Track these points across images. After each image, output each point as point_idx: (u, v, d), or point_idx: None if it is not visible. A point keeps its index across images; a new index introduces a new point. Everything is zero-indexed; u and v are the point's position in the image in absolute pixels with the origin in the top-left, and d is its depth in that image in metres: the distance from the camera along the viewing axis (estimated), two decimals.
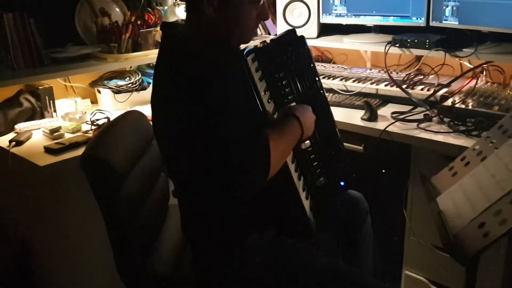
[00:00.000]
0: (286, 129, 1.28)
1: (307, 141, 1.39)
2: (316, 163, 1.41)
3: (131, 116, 1.62)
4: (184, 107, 1.18)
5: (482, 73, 2.07)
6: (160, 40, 2.30)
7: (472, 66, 2.11)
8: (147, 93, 2.32)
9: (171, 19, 2.46)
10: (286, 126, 1.28)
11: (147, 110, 2.14)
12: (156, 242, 1.54)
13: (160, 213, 1.65)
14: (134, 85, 2.29)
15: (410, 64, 2.44)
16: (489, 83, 2.05)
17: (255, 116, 1.28)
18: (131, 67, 2.38)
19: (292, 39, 1.47)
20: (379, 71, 2.37)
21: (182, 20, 2.46)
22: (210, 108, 1.14)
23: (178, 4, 2.44)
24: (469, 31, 2.08)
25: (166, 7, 2.43)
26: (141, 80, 2.33)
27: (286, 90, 1.39)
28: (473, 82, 2.02)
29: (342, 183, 1.42)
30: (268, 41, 1.41)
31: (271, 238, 1.39)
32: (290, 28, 1.53)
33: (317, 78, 1.53)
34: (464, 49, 2.03)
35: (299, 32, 1.48)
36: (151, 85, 2.29)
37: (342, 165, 1.45)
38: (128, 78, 2.31)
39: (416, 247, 1.91)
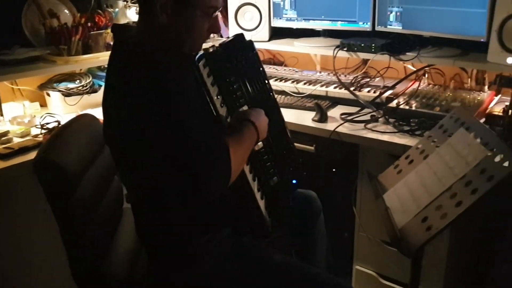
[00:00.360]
0: (244, 135, 1.31)
1: (260, 143, 1.43)
2: (269, 163, 1.45)
3: (83, 120, 1.60)
4: (141, 113, 1.18)
5: (424, 75, 2.18)
6: (111, 43, 2.28)
7: (415, 69, 2.22)
8: (98, 95, 2.30)
9: (122, 21, 2.44)
10: (243, 132, 1.31)
11: (98, 113, 2.12)
12: (111, 245, 1.53)
13: (114, 216, 1.64)
14: (85, 88, 2.26)
15: (358, 67, 2.53)
16: (430, 85, 2.17)
17: (210, 121, 1.30)
18: (81, 69, 2.34)
19: (241, 43, 1.51)
20: (329, 73, 2.45)
21: (133, 22, 2.45)
22: (169, 114, 1.15)
23: (129, 6, 2.43)
24: (412, 35, 2.19)
25: (117, 9, 2.41)
26: (92, 82, 2.30)
27: (238, 93, 1.42)
28: (416, 84, 2.13)
29: (294, 181, 1.47)
30: (217, 45, 1.44)
31: (226, 237, 1.41)
32: (239, 32, 1.57)
33: (266, 81, 1.57)
34: (407, 53, 2.14)
35: (251, 35, 1.52)
36: (102, 88, 2.29)
37: (293, 164, 1.50)
38: (78, 80, 2.28)
39: (365, 242, 1.99)
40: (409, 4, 2.17)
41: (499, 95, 2.04)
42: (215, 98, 1.34)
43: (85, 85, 2.26)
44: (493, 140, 1.23)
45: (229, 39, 1.51)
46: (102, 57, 2.23)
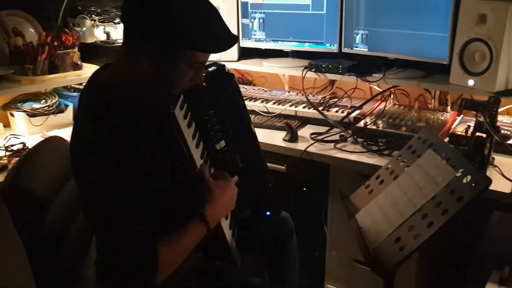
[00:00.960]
0: (187, 232, 1.24)
1: (235, 177, 1.40)
2: (243, 197, 1.43)
3: (51, 142, 1.57)
4: (96, 161, 1.13)
5: (390, 96, 2.24)
6: (78, 62, 2.25)
7: (381, 90, 2.29)
8: (65, 116, 2.26)
9: (90, 40, 2.41)
10: (188, 228, 1.24)
11: (65, 134, 2.08)
12: (81, 271, 1.49)
13: (84, 241, 1.60)
14: (51, 108, 2.21)
15: (325, 87, 2.59)
16: (396, 106, 2.24)
17: (179, 169, 1.26)
18: (46, 89, 2.29)
19: (222, 76, 1.45)
20: (297, 93, 2.49)
21: (101, 41, 2.43)
22: (118, 174, 1.11)
23: (96, 26, 2.40)
24: (377, 57, 2.26)
25: (84, 28, 2.38)
26: (58, 102, 2.26)
27: (216, 129, 1.38)
28: (382, 104, 2.19)
29: (268, 213, 1.45)
30: None
31: (199, 260, 1.40)
32: (221, 64, 1.48)
33: (247, 117, 1.54)
34: (373, 74, 2.20)
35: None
36: (69, 108, 2.25)
37: (268, 197, 1.48)
38: (44, 100, 2.23)
39: (336, 261, 2.02)
40: (375, 27, 2.24)
41: (461, 115, 2.12)
42: (190, 140, 1.30)
43: (51, 105, 2.22)
44: (460, 162, 1.28)
45: (209, 71, 1.44)
46: (69, 77, 2.20)
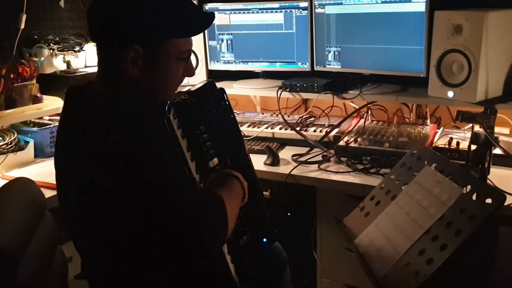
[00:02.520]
0: (233, 190, 1.24)
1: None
2: (239, 220, 1.34)
3: (17, 185, 1.40)
4: (119, 184, 1.06)
5: (368, 112, 2.20)
6: (38, 95, 2.10)
7: (357, 107, 2.24)
8: (26, 154, 2.09)
9: (49, 70, 2.25)
10: (232, 187, 1.24)
11: (27, 173, 1.92)
12: None
13: None
14: (10, 146, 2.03)
15: (298, 107, 2.52)
16: (374, 122, 2.19)
17: (191, 174, 1.21)
18: (2, 126, 2.11)
19: (212, 91, 1.40)
20: (271, 114, 2.42)
21: (61, 71, 2.28)
22: (151, 181, 1.05)
23: (55, 55, 2.25)
24: (351, 74, 2.21)
25: (42, 58, 2.22)
26: (17, 139, 2.08)
27: (208, 145, 1.31)
28: (361, 121, 2.14)
29: (264, 240, 1.37)
30: (185, 93, 1.33)
31: None
32: (209, 79, 1.46)
33: (240, 135, 1.48)
34: (349, 91, 2.15)
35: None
36: (29, 145, 2.08)
37: (264, 222, 1.40)
38: (1, 138, 2.05)
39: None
40: (347, 44, 2.20)
41: (441, 128, 2.10)
42: (185, 151, 1.23)
43: (9, 143, 2.04)
44: (464, 177, 1.23)
45: (199, 86, 1.40)
46: (28, 111, 2.04)
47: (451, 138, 1.91)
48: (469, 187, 1.19)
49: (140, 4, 1.11)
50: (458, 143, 1.86)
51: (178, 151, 1.19)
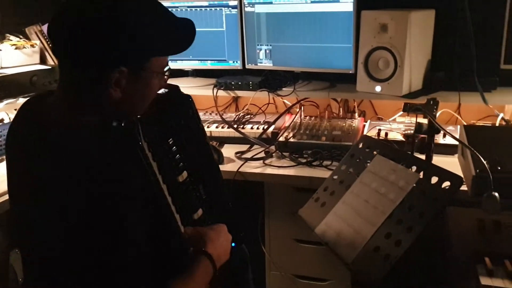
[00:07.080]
0: (195, 275, 1.13)
1: (200, 211, 1.29)
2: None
3: None
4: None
5: (301, 108, 2.28)
6: None
7: (289, 103, 2.32)
8: None
9: None
10: (195, 271, 1.14)
11: None
12: None
13: None
14: None
15: (229, 105, 2.54)
16: (307, 117, 2.28)
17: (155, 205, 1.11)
18: None
19: (178, 99, 1.28)
20: (204, 113, 2.41)
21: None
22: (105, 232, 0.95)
23: None
24: (283, 71, 2.28)
25: None
26: None
27: (177, 159, 1.24)
28: (296, 117, 2.22)
29: (233, 244, 1.35)
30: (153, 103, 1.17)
31: None
32: (173, 85, 1.28)
33: (207, 142, 1.41)
34: (284, 88, 2.22)
35: None
36: None
37: (234, 227, 1.37)
38: None
39: (278, 280, 1.97)
40: (278, 42, 2.27)
41: (368, 121, 2.24)
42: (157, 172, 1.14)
43: None
44: (418, 164, 1.34)
45: (162, 94, 1.23)
46: None
47: (380, 130, 2.06)
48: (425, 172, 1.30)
49: (126, 22, 1.00)
50: (386, 134, 2.02)
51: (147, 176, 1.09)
